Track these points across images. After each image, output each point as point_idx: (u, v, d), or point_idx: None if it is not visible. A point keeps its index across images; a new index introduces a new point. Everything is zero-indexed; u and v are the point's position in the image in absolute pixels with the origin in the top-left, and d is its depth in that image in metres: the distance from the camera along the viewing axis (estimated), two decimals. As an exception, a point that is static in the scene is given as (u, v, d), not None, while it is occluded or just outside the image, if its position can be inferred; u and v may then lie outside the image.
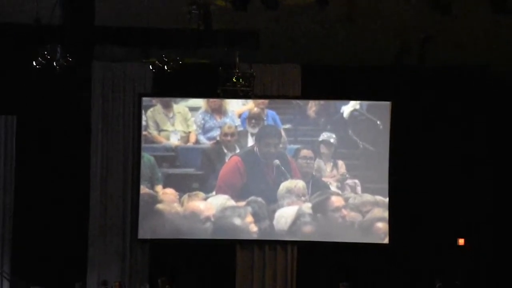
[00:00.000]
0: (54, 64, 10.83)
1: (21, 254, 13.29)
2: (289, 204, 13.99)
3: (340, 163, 14.08)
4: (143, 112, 13.91)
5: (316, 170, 14.04)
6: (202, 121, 14.02)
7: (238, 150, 14.06)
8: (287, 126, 14.10)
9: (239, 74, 11.77)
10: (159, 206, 13.93)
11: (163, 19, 11.34)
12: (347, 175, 14.03)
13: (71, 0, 11.29)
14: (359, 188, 14.05)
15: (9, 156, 13.62)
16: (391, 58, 12.99)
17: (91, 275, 13.42)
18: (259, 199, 13.99)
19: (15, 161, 13.56)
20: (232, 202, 13.97)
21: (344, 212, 13.99)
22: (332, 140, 14.05)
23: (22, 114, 13.37)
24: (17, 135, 13.53)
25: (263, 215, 13.97)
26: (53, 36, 11.00)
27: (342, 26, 12.16)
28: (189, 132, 14.02)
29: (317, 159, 14.05)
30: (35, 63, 10.82)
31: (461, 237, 13.93)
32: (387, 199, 13.94)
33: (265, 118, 14.08)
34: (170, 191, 13.94)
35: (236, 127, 14.04)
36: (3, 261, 13.54)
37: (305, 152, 14.04)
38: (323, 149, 14.08)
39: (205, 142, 14.02)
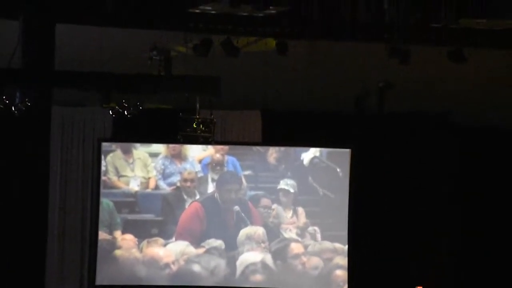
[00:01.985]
0: (13, 108, 10.77)
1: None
2: (248, 251, 13.94)
3: (300, 210, 14.08)
4: (102, 157, 13.85)
5: (275, 217, 14.02)
6: (162, 167, 13.97)
7: (198, 196, 14.01)
8: (248, 172, 14.09)
9: (200, 120, 11.80)
10: (118, 252, 13.79)
11: (124, 64, 11.34)
12: (307, 222, 14.03)
13: (31, 44, 11.28)
14: (318, 236, 14.04)
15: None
16: (351, 104, 13.12)
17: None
18: (219, 245, 13.92)
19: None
20: (191, 249, 13.88)
21: (304, 259, 13.97)
22: (291, 188, 14.06)
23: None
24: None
25: (223, 262, 13.89)
26: (11, 80, 10.94)
27: (302, 72, 12.27)
28: (149, 178, 13.95)
29: (277, 205, 14.04)
30: (-7, 106, 10.76)
31: (420, 285, 13.95)
32: (346, 246, 13.94)
33: (225, 164, 14.08)
34: (129, 237, 13.82)
35: (196, 172, 14.01)
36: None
37: (264, 201, 14.02)
38: (282, 196, 14.08)
39: (165, 188, 13.96)
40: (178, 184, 13.97)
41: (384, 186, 14.04)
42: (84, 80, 11.05)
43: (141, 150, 13.98)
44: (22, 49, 11.12)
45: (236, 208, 14.01)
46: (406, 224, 14.00)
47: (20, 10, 11.00)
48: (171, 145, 13.91)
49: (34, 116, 11.15)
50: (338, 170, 14.08)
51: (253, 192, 14.02)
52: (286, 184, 14.03)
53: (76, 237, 13.82)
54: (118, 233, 13.83)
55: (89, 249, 13.80)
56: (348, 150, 14.02)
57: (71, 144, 13.95)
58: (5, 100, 10.62)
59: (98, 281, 13.68)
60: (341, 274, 13.92)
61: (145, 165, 13.96)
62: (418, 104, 13.38)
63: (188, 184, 13.99)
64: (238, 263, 13.88)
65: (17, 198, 11.83)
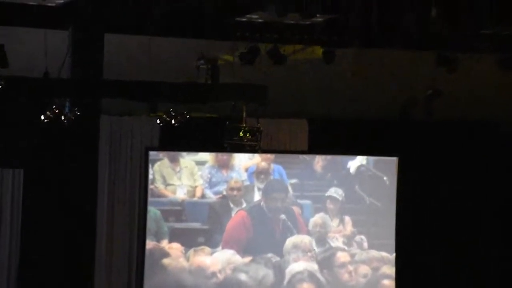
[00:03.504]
0: (62, 118, 10.88)
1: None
2: (295, 259, 13.90)
3: (347, 218, 14.03)
4: (150, 165, 13.92)
5: (322, 225, 13.98)
6: (209, 175, 13.99)
7: (244, 205, 14.01)
8: (294, 180, 14.07)
9: (246, 129, 11.80)
10: (165, 260, 13.83)
11: (171, 73, 11.39)
12: (353, 231, 13.97)
13: (80, 54, 11.40)
14: (365, 244, 13.97)
15: (16, 210, 13.58)
16: (398, 113, 13.04)
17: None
18: (265, 254, 13.91)
19: (21, 215, 13.52)
20: (238, 258, 13.88)
21: (350, 268, 13.90)
22: (338, 196, 14.02)
23: (28, 168, 13.37)
24: (24, 189, 13.51)
25: (270, 271, 13.87)
26: (61, 90, 11.05)
27: (348, 80, 12.23)
28: (196, 186, 13.99)
29: (323, 214, 13.99)
30: (43, 117, 10.86)
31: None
32: (393, 255, 13.85)
33: (271, 173, 14.07)
34: (176, 246, 13.85)
35: (242, 181, 14.02)
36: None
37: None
38: (329, 204, 14.04)
39: (212, 197, 13.98)
40: (225, 193, 13.99)
41: (431, 195, 13.94)
42: (132, 90, 11.11)
43: (187, 159, 14.02)
44: (72, 59, 11.24)
45: (283, 216, 13.98)
46: (454, 233, 13.87)
47: (70, 20, 11.13)
48: (217, 154, 13.93)
49: (83, 125, 11.26)
50: (384, 178, 14.01)
51: (303, 201, 13.99)
52: (335, 192, 14.00)
53: (124, 245, 13.86)
54: (165, 242, 13.86)
55: (136, 258, 13.85)
56: (395, 159, 13.95)
57: (119, 153, 14.01)
58: (55, 110, 10.73)
59: (146, 290, 13.76)
60: (389, 283, 13.84)
61: (192, 174, 14.00)
62: (466, 112, 13.26)
63: (235, 192, 13.99)
64: (284, 272, 13.85)
65: (66, 206, 11.94)
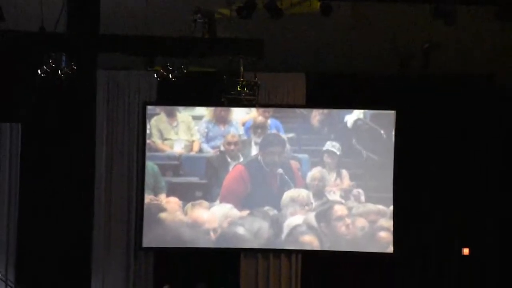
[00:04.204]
0: (59, 72, 10.85)
1: (25, 262, 13.27)
2: (292, 213, 13.98)
3: (344, 172, 14.07)
4: (147, 120, 13.92)
5: (320, 179, 14.03)
6: (206, 130, 14.02)
7: (241, 159, 14.06)
8: (291, 135, 14.09)
9: (244, 83, 11.77)
10: (163, 214, 13.92)
11: (168, 28, 11.34)
12: (351, 185, 14.03)
13: (76, 8, 11.34)
14: (362, 198, 14.04)
15: (14, 163, 13.66)
16: (395, 66, 13.00)
17: (95, 283, 13.38)
18: (263, 208, 13.98)
19: (19, 169, 13.58)
20: (235, 211, 13.96)
21: (348, 221, 13.98)
22: (336, 150, 14.04)
23: (26, 122, 13.38)
24: (21, 143, 13.55)
25: (267, 224, 13.95)
26: (58, 44, 11.01)
27: (346, 34, 12.19)
28: (193, 141, 14.02)
29: (320, 168, 14.04)
30: (40, 71, 10.83)
31: (466, 247, 13.92)
32: (391, 209, 13.92)
33: (268, 127, 14.08)
34: (173, 200, 13.94)
35: (239, 135, 14.04)
36: (8, 270, 13.53)
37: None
38: (326, 158, 14.07)
39: (209, 151, 14.02)
40: (222, 147, 14.02)
41: (428, 148, 13.95)
42: (129, 44, 11.09)
43: (184, 113, 14.03)
44: (68, 14, 11.19)
45: (280, 170, 14.03)
46: (451, 186, 13.91)
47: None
48: (214, 108, 13.94)
49: (80, 80, 11.24)
50: (381, 132, 14.03)
51: (300, 155, 14.03)
52: (332, 146, 14.02)
53: (122, 200, 13.94)
54: (163, 196, 13.94)
55: (135, 212, 13.93)
56: (392, 112, 13.95)
57: (117, 108, 14.02)
58: (51, 64, 10.70)
59: (145, 243, 13.83)
60: (386, 235, 13.92)
61: (189, 128, 14.02)
62: (464, 65, 13.22)
63: (232, 147, 14.03)
64: (282, 224, 13.93)
65: (63, 160, 11.97)
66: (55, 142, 12.22)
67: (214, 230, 13.91)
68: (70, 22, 11.21)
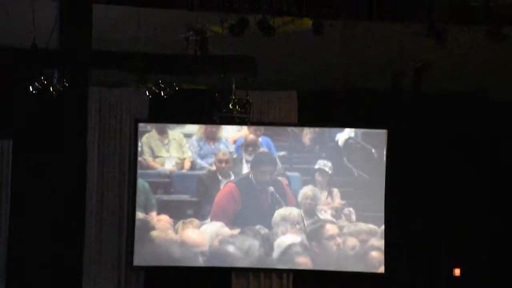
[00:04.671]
0: (51, 89, 10.83)
1: (15, 277, 13.20)
2: (283, 232, 13.95)
3: (335, 191, 14.06)
4: (138, 138, 13.90)
5: (312, 198, 14.01)
6: (197, 148, 14.00)
7: (232, 177, 14.03)
8: (282, 153, 14.08)
9: (236, 101, 11.77)
10: (154, 233, 13.87)
11: (160, 45, 11.36)
12: (342, 204, 14.01)
13: (68, 25, 11.33)
14: (353, 217, 14.02)
15: (4, 180, 13.61)
16: (387, 85, 13.03)
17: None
18: (254, 226, 13.95)
19: (10, 186, 13.54)
20: (226, 230, 13.92)
21: (339, 240, 13.95)
22: (327, 169, 14.04)
23: (17, 139, 13.35)
24: (12, 160, 13.51)
25: (258, 243, 13.91)
26: (49, 61, 11.00)
27: (338, 52, 12.21)
28: (184, 159, 14.00)
29: (312, 187, 14.02)
30: (31, 87, 10.81)
31: (458, 267, 13.90)
32: (382, 228, 13.90)
33: (259, 145, 14.08)
34: (164, 218, 13.89)
35: (231, 153, 14.03)
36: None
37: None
38: (318, 176, 14.07)
39: (200, 169, 13.99)
40: (213, 165, 14.00)
41: (420, 168, 13.95)
42: (121, 60, 11.11)
43: (176, 131, 14.01)
44: (60, 30, 11.18)
45: (271, 189, 14.01)
46: (443, 206, 13.91)
47: (58, -10, 11.05)
48: (205, 126, 13.93)
49: (72, 96, 11.22)
50: (373, 151, 14.04)
51: (291, 173, 14.01)
52: (323, 164, 14.02)
53: (113, 218, 13.89)
54: (153, 214, 13.90)
55: (126, 230, 13.87)
56: (383, 131, 13.97)
57: (108, 125, 14.00)
58: (43, 80, 10.68)
59: (136, 262, 13.77)
60: (377, 255, 13.90)
61: (180, 146, 14.00)
62: (456, 84, 13.25)
63: (223, 165, 14.01)
64: (273, 244, 13.90)
65: (55, 178, 11.94)
66: (46, 158, 12.19)
67: (205, 248, 13.86)
68: (62, 39, 11.20)
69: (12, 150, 13.51)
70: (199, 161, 13.98)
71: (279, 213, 13.98)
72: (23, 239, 13.11)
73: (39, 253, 12.43)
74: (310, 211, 13.99)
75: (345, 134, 14.10)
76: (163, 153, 13.97)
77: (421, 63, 12.03)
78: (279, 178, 14.01)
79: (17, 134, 13.26)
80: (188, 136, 14.03)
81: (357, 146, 14.09)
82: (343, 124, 14.04)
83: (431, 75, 12.29)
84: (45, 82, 10.69)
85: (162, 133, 13.98)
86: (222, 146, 14.02)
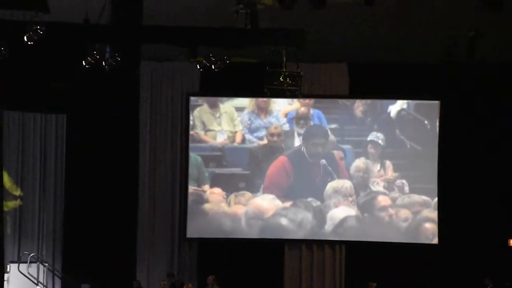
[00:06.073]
0: (103, 64, 10.95)
1: (72, 252, 13.41)
2: (335, 204, 13.95)
3: (388, 163, 14.01)
4: (190, 111, 13.98)
5: (364, 170, 13.98)
6: (248, 121, 14.04)
7: (284, 150, 14.05)
8: (333, 125, 14.06)
9: (286, 74, 11.74)
10: (207, 205, 13.98)
11: (211, 19, 11.37)
12: (394, 175, 13.95)
13: (119, 0, 11.42)
14: (406, 188, 13.96)
15: (60, 154, 13.81)
16: (439, 56, 12.88)
17: (140, 273, 13.45)
18: (306, 199, 13.97)
19: (65, 159, 13.73)
20: (278, 202, 13.97)
21: (391, 211, 13.92)
22: (379, 140, 13.99)
23: (72, 113, 13.52)
24: (67, 134, 13.69)
25: (311, 215, 13.93)
26: (102, 36, 11.11)
27: (389, 23, 12.10)
28: (236, 132, 14.05)
29: (364, 159, 13.99)
30: (85, 62, 10.95)
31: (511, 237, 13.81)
32: (435, 200, 13.83)
33: (311, 118, 14.06)
34: (217, 191, 13.99)
35: (282, 126, 14.03)
36: (55, 259, 13.69)
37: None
38: (371, 149, 14.02)
39: (252, 142, 14.03)
40: (265, 139, 14.03)
41: (474, 138, 13.81)
42: (172, 35, 11.14)
43: (227, 104, 14.06)
44: (111, 5, 11.27)
45: (323, 161, 14.00)
46: (497, 176, 13.77)
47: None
48: (256, 99, 13.94)
49: (124, 71, 11.32)
50: (425, 122, 13.94)
51: (344, 145, 13.99)
52: (376, 136, 13.97)
53: (166, 191, 14.02)
54: (206, 187, 14.00)
55: (179, 203, 14.00)
56: (436, 102, 13.85)
57: (160, 99, 14.11)
58: (95, 55, 10.80)
59: (189, 234, 13.90)
60: (430, 227, 13.84)
61: (232, 119, 14.05)
62: (508, 52, 13.04)
63: (275, 138, 14.03)
64: (325, 215, 13.90)
65: (108, 152, 12.08)
66: (100, 133, 12.34)
67: (258, 221, 13.92)
68: (114, 14, 11.29)
69: (66, 124, 13.69)
70: (250, 134, 14.01)
71: (331, 185, 13.98)
72: (78, 211, 13.28)
73: (94, 224, 12.59)
74: (362, 183, 13.95)
75: (397, 106, 14.01)
76: (215, 127, 14.03)
77: (473, 32, 11.85)
78: (333, 151, 13.98)
79: (71, 109, 13.41)
80: (239, 109, 14.06)
81: (410, 118, 14.00)
82: (395, 96, 13.94)
83: (484, 45, 12.11)
84: (98, 56, 10.82)
85: (214, 106, 14.04)
86: (273, 119, 14.03)
